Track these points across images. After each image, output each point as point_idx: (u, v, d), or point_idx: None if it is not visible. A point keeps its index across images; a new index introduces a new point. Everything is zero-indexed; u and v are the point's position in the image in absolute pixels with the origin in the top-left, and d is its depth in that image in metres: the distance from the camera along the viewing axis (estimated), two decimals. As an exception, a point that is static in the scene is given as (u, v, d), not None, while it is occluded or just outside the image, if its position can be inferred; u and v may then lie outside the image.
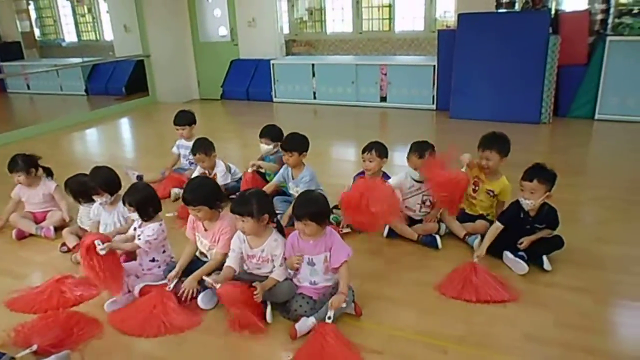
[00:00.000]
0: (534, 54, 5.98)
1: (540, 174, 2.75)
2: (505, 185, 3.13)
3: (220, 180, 3.78)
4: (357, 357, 2.14)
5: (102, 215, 3.12)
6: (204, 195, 2.60)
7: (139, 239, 2.66)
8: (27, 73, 10.48)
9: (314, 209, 2.36)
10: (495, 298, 2.51)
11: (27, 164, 3.50)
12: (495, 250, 2.89)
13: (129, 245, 2.68)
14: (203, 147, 3.86)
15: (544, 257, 2.77)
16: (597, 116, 6.14)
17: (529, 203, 2.77)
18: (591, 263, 2.88)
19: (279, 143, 3.71)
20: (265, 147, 3.86)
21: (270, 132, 3.88)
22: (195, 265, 2.70)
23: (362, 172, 3.46)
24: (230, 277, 2.46)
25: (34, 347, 2.21)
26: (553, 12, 6.57)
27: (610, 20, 6.15)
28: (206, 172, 3.95)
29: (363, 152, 3.35)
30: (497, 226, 2.90)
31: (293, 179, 3.51)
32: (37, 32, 11.22)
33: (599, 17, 6.31)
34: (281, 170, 3.60)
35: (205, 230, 2.71)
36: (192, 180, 2.90)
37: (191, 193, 2.60)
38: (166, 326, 2.37)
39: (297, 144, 3.45)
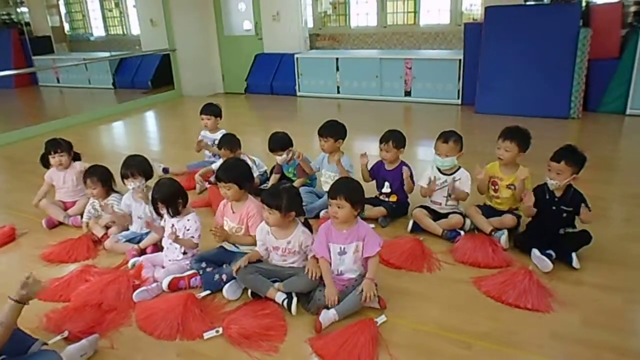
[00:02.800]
0: (564, 47, 5.85)
1: (569, 156, 2.73)
2: (526, 174, 3.09)
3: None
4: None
5: (133, 207, 3.18)
6: (236, 174, 2.72)
7: (192, 237, 2.74)
8: (57, 67, 10.75)
9: (350, 190, 2.40)
10: (536, 307, 2.40)
11: (68, 144, 3.64)
12: (524, 247, 2.88)
13: (188, 242, 2.75)
14: (229, 143, 3.91)
15: (573, 255, 2.72)
16: (628, 111, 5.98)
17: (554, 183, 2.77)
18: (621, 261, 2.81)
19: (291, 149, 3.74)
20: (280, 158, 3.78)
21: (277, 143, 3.76)
22: (221, 255, 2.74)
23: (380, 162, 3.48)
24: (255, 259, 2.57)
25: (66, 334, 2.28)
26: (584, 4, 6.40)
27: (644, 13, 5.98)
28: None
29: (380, 142, 3.39)
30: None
31: (329, 163, 3.59)
32: (66, 26, 11.47)
33: (633, 9, 6.15)
34: (319, 157, 3.69)
35: (233, 212, 2.80)
36: (227, 161, 3.07)
37: (225, 171, 2.75)
38: (180, 330, 2.32)
39: (331, 130, 3.53)
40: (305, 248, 2.53)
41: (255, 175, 3.97)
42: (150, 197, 2.84)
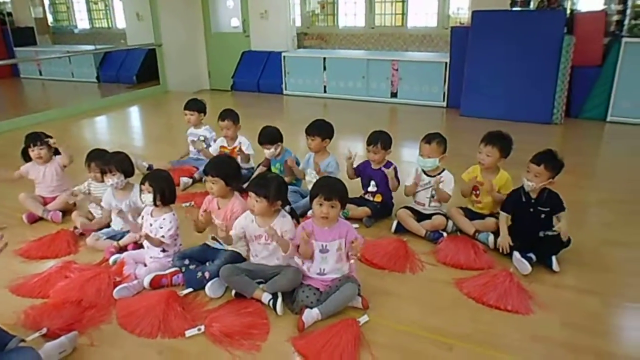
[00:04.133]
0: (548, 53, 5.94)
1: (549, 161, 2.79)
2: (506, 178, 3.15)
3: (245, 151, 4.06)
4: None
5: (113, 204, 3.13)
6: (224, 170, 2.73)
7: (162, 237, 2.71)
8: (39, 59, 10.57)
9: (342, 190, 2.44)
10: (516, 309, 2.43)
11: (47, 138, 3.58)
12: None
13: (156, 241, 2.72)
14: (232, 115, 4.07)
15: (553, 258, 2.76)
16: (609, 118, 6.10)
17: (531, 185, 2.82)
18: (599, 265, 2.87)
19: (280, 144, 3.73)
20: (268, 152, 3.76)
21: (267, 137, 3.74)
22: (206, 253, 2.72)
23: (367, 162, 3.49)
24: (229, 240, 2.56)
25: (44, 330, 2.24)
26: (568, 11, 6.51)
27: (626, 22, 6.07)
28: (226, 144, 4.12)
29: (368, 144, 3.39)
30: (503, 216, 3.01)
31: (314, 163, 3.58)
32: (50, 18, 11.28)
33: (615, 18, 6.25)
34: (306, 157, 3.69)
35: (219, 208, 2.79)
36: (217, 157, 3.14)
37: (213, 165, 2.78)
38: (162, 328, 2.30)
39: (319, 129, 3.55)
40: (283, 232, 2.48)
41: (252, 152, 4.10)
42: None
